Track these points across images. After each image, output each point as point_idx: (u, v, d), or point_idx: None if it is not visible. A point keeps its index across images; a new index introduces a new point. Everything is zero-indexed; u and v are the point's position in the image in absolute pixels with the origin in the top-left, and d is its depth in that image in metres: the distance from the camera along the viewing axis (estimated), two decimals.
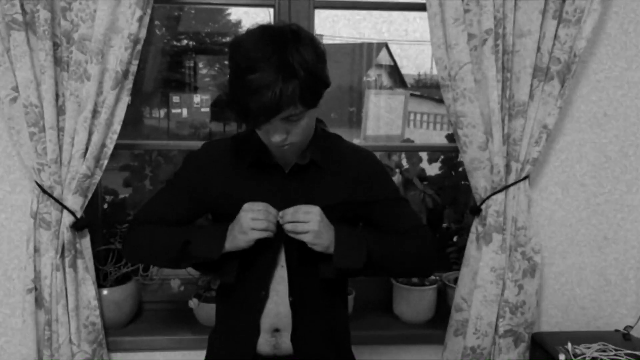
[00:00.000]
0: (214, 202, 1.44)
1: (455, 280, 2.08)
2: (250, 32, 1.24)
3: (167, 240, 1.40)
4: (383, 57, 13.90)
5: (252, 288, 1.41)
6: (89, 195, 1.83)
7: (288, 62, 1.18)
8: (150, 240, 1.44)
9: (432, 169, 2.76)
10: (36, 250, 1.82)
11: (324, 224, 1.31)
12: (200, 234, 1.38)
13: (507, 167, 1.90)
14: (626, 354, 1.79)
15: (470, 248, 1.98)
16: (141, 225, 1.47)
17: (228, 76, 1.26)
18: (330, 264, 1.32)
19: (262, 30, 1.24)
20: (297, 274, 1.40)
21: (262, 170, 1.40)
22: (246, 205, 1.31)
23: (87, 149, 1.77)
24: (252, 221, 1.28)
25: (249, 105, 1.19)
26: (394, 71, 14.33)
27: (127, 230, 1.52)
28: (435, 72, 1.89)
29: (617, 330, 1.99)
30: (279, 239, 1.34)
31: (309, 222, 1.29)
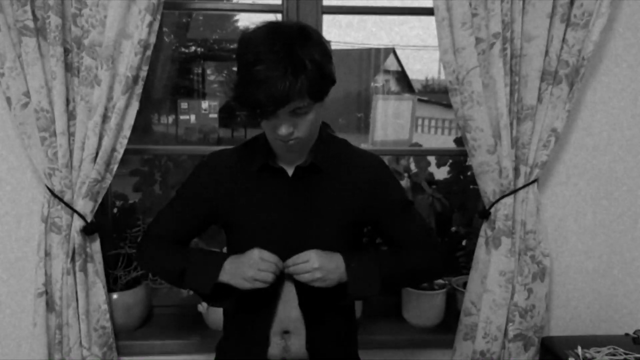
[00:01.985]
0: (221, 209, 1.45)
1: (465, 285, 2.08)
2: (259, 29, 1.26)
3: (168, 266, 1.44)
4: (390, 63, 13.92)
5: (261, 300, 1.42)
6: (99, 200, 1.84)
7: (297, 56, 1.20)
8: (156, 263, 1.49)
9: (441, 173, 2.76)
10: (47, 254, 1.84)
11: (326, 261, 1.32)
12: (195, 265, 1.39)
13: (516, 170, 1.90)
14: (636, 358, 1.78)
15: (479, 252, 1.98)
16: (150, 242, 1.50)
17: (236, 71, 1.27)
18: (346, 293, 1.34)
19: (270, 27, 1.26)
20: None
21: (267, 176, 1.40)
22: (256, 253, 1.32)
23: (97, 153, 1.78)
24: (259, 273, 1.31)
25: (259, 96, 1.19)
26: (402, 76, 14.35)
27: (139, 245, 1.55)
28: (442, 77, 1.89)
29: (627, 334, 1.98)
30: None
31: (307, 262, 1.31)
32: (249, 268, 1.31)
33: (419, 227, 1.49)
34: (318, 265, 1.30)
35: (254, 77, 1.19)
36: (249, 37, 1.25)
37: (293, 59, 1.19)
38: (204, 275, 1.37)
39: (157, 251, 1.48)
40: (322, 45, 1.27)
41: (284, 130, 1.26)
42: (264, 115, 1.24)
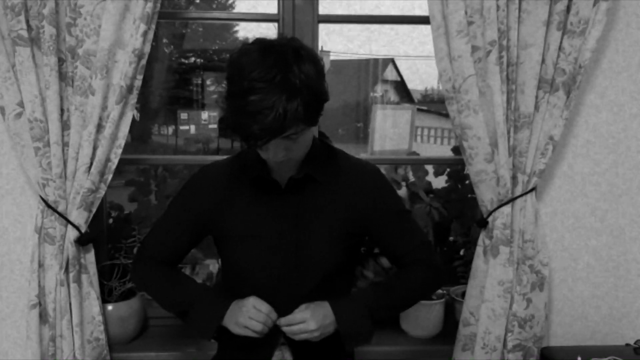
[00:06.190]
0: (213, 220, 1.44)
1: (463, 294, 2.06)
2: (249, 51, 1.22)
3: (169, 299, 1.45)
4: (390, 73, 13.97)
5: None
6: (94, 210, 1.83)
7: (291, 82, 1.17)
8: (155, 291, 1.48)
9: (439, 182, 2.75)
10: (40, 265, 1.82)
11: (321, 317, 1.32)
12: (199, 309, 1.38)
13: (514, 179, 1.89)
14: None
15: (478, 261, 1.96)
16: (147, 265, 1.49)
17: (226, 96, 1.25)
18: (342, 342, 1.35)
19: (262, 49, 1.22)
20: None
21: (260, 188, 1.39)
22: (252, 301, 1.32)
23: (91, 163, 1.77)
24: (249, 320, 1.30)
25: (252, 127, 1.18)
26: (401, 86, 14.39)
27: (135, 265, 1.54)
28: (441, 86, 1.89)
29: (627, 345, 1.95)
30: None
31: (304, 322, 1.31)
32: (241, 314, 1.31)
33: (415, 238, 1.46)
34: (316, 326, 1.30)
35: (248, 107, 1.17)
36: (240, 62, 1.22)
37: (288, 86, 1.17)
38: (206, 321, 1.37)
39: (156, 277, 1.47)
40: (316, 63, 1.24)
41: (279, 156, 1.26)
42: (257, 144, 1.23)
